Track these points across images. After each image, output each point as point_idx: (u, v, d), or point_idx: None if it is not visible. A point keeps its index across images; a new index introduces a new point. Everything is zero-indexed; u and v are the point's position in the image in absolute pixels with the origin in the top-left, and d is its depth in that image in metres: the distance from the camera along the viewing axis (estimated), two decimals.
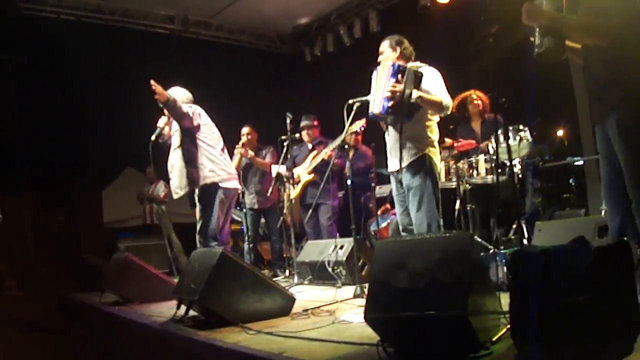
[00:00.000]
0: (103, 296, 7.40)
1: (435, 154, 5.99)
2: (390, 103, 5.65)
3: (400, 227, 6.21)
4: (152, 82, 6.76)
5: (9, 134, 10.61)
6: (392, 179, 6.22)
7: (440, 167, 7.64)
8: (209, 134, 7.38)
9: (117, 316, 6.44)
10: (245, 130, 9.79)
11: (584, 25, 3.91)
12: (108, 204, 12.29)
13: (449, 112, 5.91)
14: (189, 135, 7.31)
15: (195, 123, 7.24)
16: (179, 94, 7.48)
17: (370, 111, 5.97)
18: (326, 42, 13.40)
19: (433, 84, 5.84)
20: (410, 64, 5.98)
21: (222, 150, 7.50)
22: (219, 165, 7.29)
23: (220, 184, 7.24)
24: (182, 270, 6.17)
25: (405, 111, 5.72)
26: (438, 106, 5.78)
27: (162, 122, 7.48)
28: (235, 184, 7.48)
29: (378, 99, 5.82)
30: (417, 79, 5.68)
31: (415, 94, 5.58)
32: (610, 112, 3.85)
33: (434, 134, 6.02)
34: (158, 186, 12.31)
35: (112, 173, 12.85)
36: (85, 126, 10.97)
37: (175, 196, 7.45)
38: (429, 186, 5.82)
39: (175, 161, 7.42)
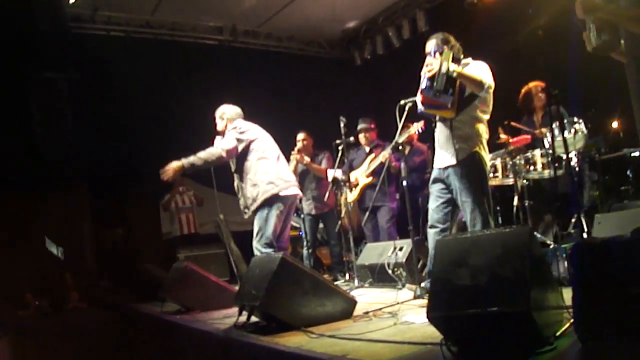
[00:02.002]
0: (164, 306, 7.49)
1: (485, 151, 5.95)
2: (430, 76, 5.68)
3: (430, 222, 6.15)
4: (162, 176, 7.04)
5: (64, 150, 10.78)
6: (435, 174, 6.16)
7: (496, 163, 7.64)
8: (261, 146, 7.40)
9: (179, 325, 6.50)
10: (300, 136, 9.86)
11: None
12: (166, 214, 12.40)
13: (490, 92, 5.87)
14: (241, 158, 7.38)
15: (241, 147, 7.28)
16: (228, 111, 7.58)
17: (418, 109, 5.99)
18: (375, 45, 13.42)
19: (477, 69, 5.83)
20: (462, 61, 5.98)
21: (278, 158, 7.52)
22: (275, 174, 7.30)
23: (280, 194, 7.24)
24: (243, 277, 6.21)
25: (444, 88, 5.65)
26: (478, 83, 5.70)
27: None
28: (294, 190, 7.46)
29: (422, 84, 5.84)
30: (455, 59, 5.71)
31: (453, 66, 5.58)
32: None
33: (484, 132, 5.97)
34: (189, 193, 12.33)
35: (168, 184, 12.95)
36: (138, 139, 11.11)
37: (245, 216, 7.50)
38: (481, 185, 5.81)
39: (237, 184, 7.52)
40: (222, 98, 7.74)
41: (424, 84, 5.75)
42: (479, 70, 5.81)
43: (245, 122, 7.52)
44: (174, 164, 7.02)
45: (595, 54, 4.13)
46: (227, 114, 7.58)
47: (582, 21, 4.13)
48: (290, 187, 7.38)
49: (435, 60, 5.66)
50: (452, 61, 5.67)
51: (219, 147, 7.22)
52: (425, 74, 5.77)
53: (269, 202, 7.20)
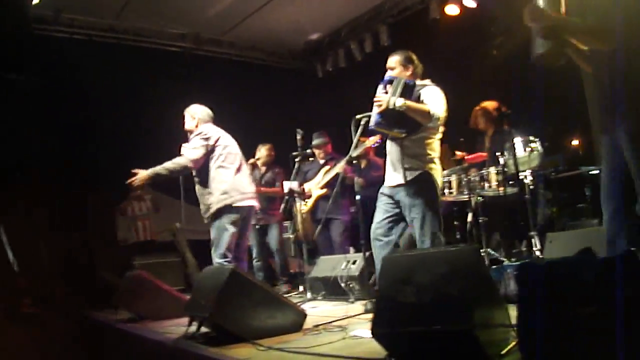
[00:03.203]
0: (118, 313, 7.44)
1: (435, 170, 5.96)
2: (379, 111, 5.67)
3: (372, 235, 6.10)
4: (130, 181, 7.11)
5: (22, 153, 10.67)
6: (384, 190, 6.16)
7: (451, 179, 7.68)
8: (223, 154, 7.38)
9: (130, 333, 6.47)
10: (267, 146, 10.13)
11: (588, 28, 3.87)
12: (122, 220, 12.31)
13: (439, 123, 5.82)
14: (202, 164, 7.36)
15: (202, 154, 7.26)
16: (200, 112, 7.58)
17: (370, 125, 6.00)
18: (337, 57, 13.42)
19: (429, 97, 5.79)
20: (419, 82, 5.96)
21: (238, 169, 7.47)
22: (231, 185, 7.27)
23: (233, 204, 7.22)
24: (194, 288, 6.20)
25: (395, 120, 5.71)
26: (425, 115, 5.64)
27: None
28: (249, 202, 7.42)
29: (374, 112, 5.85)
30: (407, 87, 5.65)
31: (400, 101, 5.52)
32: (619, 121, 3.82)
33: (434, 151, 5.98)
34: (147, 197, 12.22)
35: (126, 190, 12.87)
36: (99, 144, 11.05)
37: (205, 221, 7.47)
38: (431, 202, 5.80)
39: (197, 188, 7.50)
40: (184, 105, 7.71)
41: (376, 118, 5.77)
42: (431, 99, 5.79)
43: (212, 127, 7.53)
44: (143, 173, 7.03)
45: (537, 63, 4.09)
46: (199, 114, 7.56)
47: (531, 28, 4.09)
48: (245, 199, 7.35)
49: (385, 96, 5.63)
50: (406, 87, 5.64)
51: (185, 157, 7.20)
52: (375, 107, 5.76)
53: (222, 211, 7.19)
